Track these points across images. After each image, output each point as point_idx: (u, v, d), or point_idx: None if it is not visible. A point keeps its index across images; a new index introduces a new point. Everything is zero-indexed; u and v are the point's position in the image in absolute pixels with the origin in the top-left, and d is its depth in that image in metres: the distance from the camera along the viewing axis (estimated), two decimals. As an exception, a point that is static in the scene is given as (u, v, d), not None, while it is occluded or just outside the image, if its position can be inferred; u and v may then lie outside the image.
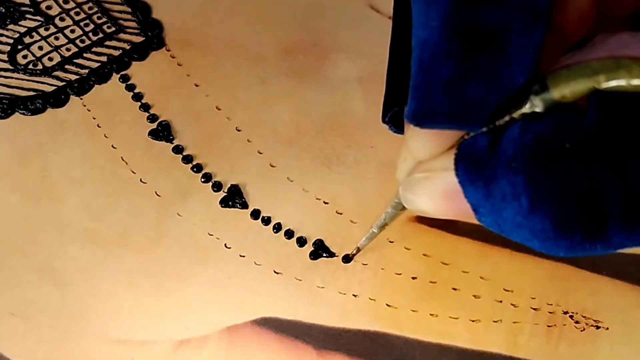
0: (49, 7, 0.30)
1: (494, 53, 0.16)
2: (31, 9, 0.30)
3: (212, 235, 0.26)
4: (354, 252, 0.26)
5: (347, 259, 0.26)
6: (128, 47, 0.29)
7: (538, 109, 0.16)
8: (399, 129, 0.23)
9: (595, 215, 0.15)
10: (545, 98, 0.16)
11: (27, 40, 0.29)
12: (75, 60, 0.29)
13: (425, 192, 0.19)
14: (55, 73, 0.29)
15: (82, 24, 0.30)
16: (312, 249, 0.26)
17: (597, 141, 0.15)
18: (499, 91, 0.16)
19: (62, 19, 0.30)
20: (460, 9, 0.16)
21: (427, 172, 0.19)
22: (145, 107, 0.28)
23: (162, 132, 0.28)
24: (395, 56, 0.22)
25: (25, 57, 0.29)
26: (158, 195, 0.27)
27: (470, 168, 0.17)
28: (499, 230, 0.17)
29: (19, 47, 0.29)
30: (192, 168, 0.27)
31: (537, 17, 0.16)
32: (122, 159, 0.27)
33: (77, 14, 0.30)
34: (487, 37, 0.16)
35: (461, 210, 0.18)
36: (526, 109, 0.16)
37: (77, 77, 0.29)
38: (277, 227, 0.26)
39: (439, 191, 0.18)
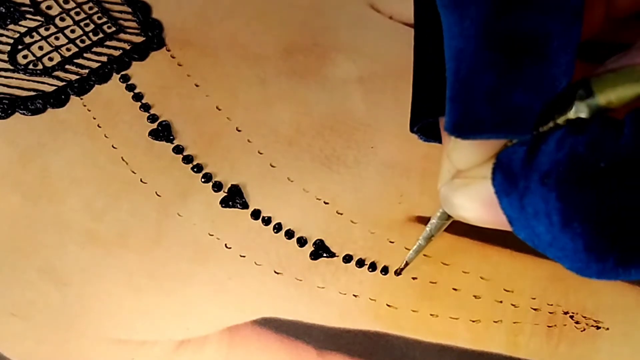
0: (49, 7, 0.30)
1: (534, 58, 0.16)
2: (31, 9, 0.30)
3: (212, 235, 0.26)
4: (402, 266, 0.25)
5: (397, 273, 0.25)
6: (128, 47, 0.29)
7: (583, 115, 0.16)
8: (428, 137, 0.22)
9: (630, 239, 0.15)
10: (591, 104, 0.16)
11: (27, 40, 0.29)
12: (75, 60, 0.29)
13: (465, 198, 0.19)
14: (56, 73, 0.29)
15: (82, 24, 0.30)
16: (313, 249, 0.26)
17: (633, 159, 0.15)
18: (543, 96, 0.16)
19: (62, 19, 0.30)
20: (496, 17, 0.16)
21: (467, 179, 0.19)
22: (146, 107, 0.28)
23: (163, 132, 0.28)
24: (420, 66, 0.22)
25: (25, 57, 0.29)
26: (158, 195, 0.27)
27: (506, 179, 0.17)
28: (533, 245, 0.17)
29: (19, 47, 0.29)
30: (192, 168, 0.27)
31: (574, 16, 0.16)
32: (123, 159, 0.27)
33: (78, 14, 0.30)
34: (526, 42, 0.16)
35: (500, 220, 0.17)
36: (571, 114, 0.16)
37: (78, 77, 0.29)
38: (278, 227, 0.26)
39: (478, 198, 0.18)
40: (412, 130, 0.22)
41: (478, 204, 0.18)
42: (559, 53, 0.16)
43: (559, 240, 0.16)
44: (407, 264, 0.25)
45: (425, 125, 0.22)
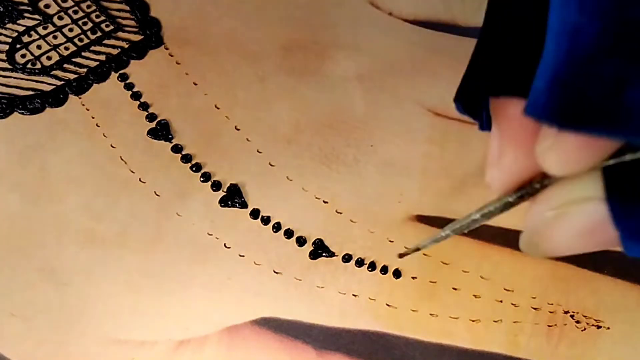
0: (47, 6, 0.30)
1: None
2: (29, 8, 0.30)
3: (211, 235, 0.26)
4: (410, 251, 0.23)
5: (401, 256, 0.23)
6: (126, 46, 0.29)
7: None
8: (467, 110, 0.19)
9: None
10: None
11: (25, 39, 0.29)
12: (73, 59, 0.29)
13: (560, 233, 0.16)
14: (54, 72, 0.29)
15: (80, 22, 0.30)
16: (312, 248, 0.26)
17: None
18: None
19: (60, 18, 0.30)
20: (627, 1, 0.13)
21: (561, 208, 0.16)
22: (144, 106, 0.28)
23: (161, 131, 0.28)
24: (491, 33, 0.19)
25: (23, 56, 0.29)
26: (157, 194, 0.26)
27: (628, 192, 0.15)
28: None
29: (18, 46, 0.29)
30: (191, 167, 0.27)
31: None
32: (121, 158, 0.27)
33: (76, 12, 0.30)
34: None
35: (601, 242, 0.15)
36: None
37: (76, 76, 0.29)
38: (277, 227, 0.26)
39: (580, 227, 0.16)
40: (455, 100, 0.19)
41: (581, 233, 0.16)
42: None
43: None
44: (417, 249, 0.22)
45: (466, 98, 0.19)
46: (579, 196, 0.15)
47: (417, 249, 0.22)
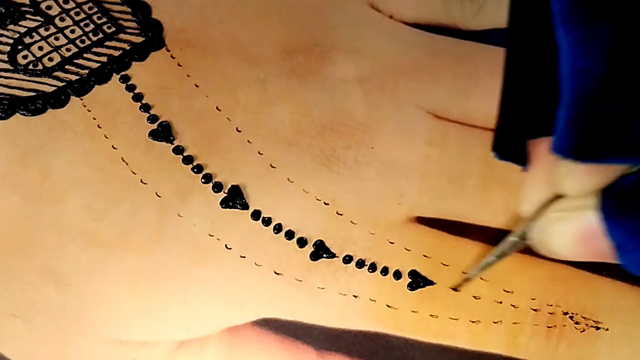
0: (49, 7, 0.30)
1: None
2: (31, 9, 0.30)
3: (212, 236, 0.26)
4: (462, 282, 0.25)
5: (456, 289, 0.25)
6: (128, 48, 0.29)
7: None
8: (504, 157, 0.22)
9: None
10: None
11: (27, 40, 0.29)
12: (75, 61, 0.29)
13: (560, 233, 0.18)
14: (56, 73, 0.29)
15: (82, 24, 0.30)
16: (313, 249, 0.26)
17: None
18: None
19: (62, 19, 0.30)
20: (630, 42, 0.15)
21: (563, 212, 0.18)
22: (146, 108, 0.28)
23: (163, 132, 0.28)
24: (513, 84, 0.21)
25: (25, 57, 0.29)
26: (158, 196, 0.27)
27: (617, 204, 0.16)
28: None
29: (19, 47, 0.29)
30: (192, 169, 0.27)
31: None
32: (123, 160, 0.27)
33: (77, 14, 0.30)
34: None
35: (597, 250, 0.17)
36: None
37: (78, 77, 0.29)
38: (278, 228, 0.26)
39: (576, 231, 0.18)
40: (493, 150, 0.22)
41: (577, 237, 0.18)
42: None
43: None
44: (467, 279, 0.25)
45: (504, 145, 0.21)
46: (578, 204, 0.18)
47: (467, 279, 0.25)
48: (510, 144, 0.21)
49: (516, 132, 0.21)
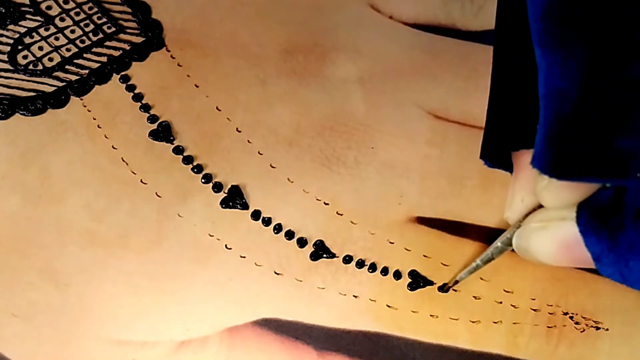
0: (49, 7, 0.30)
1: None
2: (31, 9, 0.30)
3: (212, 236, 0.26)
4: (451, 284, 0.25)
5: (445, 290, 0.25)
6: (128, 48, 0.29)
7: None
8: (494, 164, 0.23)
9: None
10: None
11: (27, 40, 0.29)
12: (75, 61, 0.29)
13: (541, 242, 0.19)
14: (56, 73, 0.29)
15: (82, 24, 0.30)
16: (313, 249, 0.26)
17: None
18: None
19: (62, 19, 0.30)
20: (605, 64, 0.15)
21: (543, 222, 0.19)
22: (146, 108, 0.28)
23: (163, 132, 0.28)
24: (498, 96, 0.22)
25: (25, 57, 0.29)
26: (158, 196, 0.27)
27: (594, 218, 0.17)
28: (621, 280, 0.17)
29: (19, 47, 0.29)
30: (192, 169, 0.27)
31: None
32: (123, 160, 0.27)
33: (77, 14, 0.30)
34: (634, 89, 0.15)
35: (578, 259, 0.18)
36: None
37: (78, 77, 0.29)
38: (278, 228, 0.26)
39: (556, 241, 0.18)
40: (483, 158, 0.23)
41: (556, 246, 0.18)
42: None
43: None
44: (456, 282, 0.25)
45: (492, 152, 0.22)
46: (558, 215, 0.18)
47: (456, 282, 0.25)
48: (497, 153, 0.22)
49: (501, 143, 0.22)
